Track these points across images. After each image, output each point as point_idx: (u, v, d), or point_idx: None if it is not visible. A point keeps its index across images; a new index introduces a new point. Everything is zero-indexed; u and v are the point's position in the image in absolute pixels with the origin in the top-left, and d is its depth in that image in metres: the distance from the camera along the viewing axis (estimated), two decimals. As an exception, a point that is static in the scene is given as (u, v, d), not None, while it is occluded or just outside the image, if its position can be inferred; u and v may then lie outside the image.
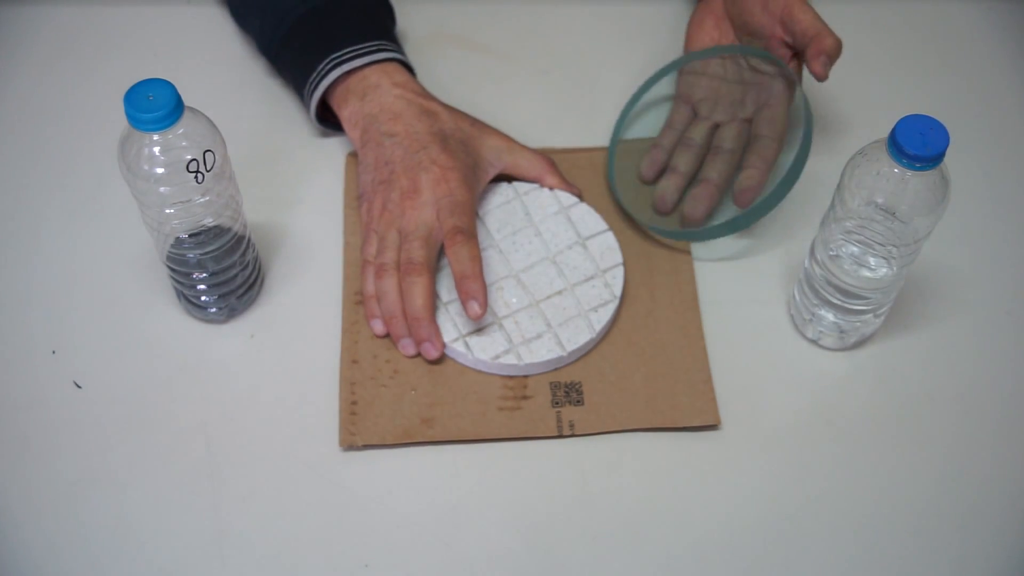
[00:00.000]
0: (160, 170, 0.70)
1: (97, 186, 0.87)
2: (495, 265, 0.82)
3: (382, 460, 0.76)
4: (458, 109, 0.85)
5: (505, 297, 0.80)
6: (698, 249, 0.85)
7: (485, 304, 0.76)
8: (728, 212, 0.85)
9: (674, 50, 0.94)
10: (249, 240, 0.79)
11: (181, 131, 0.69)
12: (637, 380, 0.79)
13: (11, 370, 0.79)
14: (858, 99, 0.95)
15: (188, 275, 0.77)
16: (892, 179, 0.69)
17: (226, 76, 0.94)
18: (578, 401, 0.78)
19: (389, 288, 0.79)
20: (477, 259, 0.77)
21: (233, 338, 0.80)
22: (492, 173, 0.84)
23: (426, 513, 0.74)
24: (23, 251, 0.84)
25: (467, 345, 0.78)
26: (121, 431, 0.76)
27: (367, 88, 0.84)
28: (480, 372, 0.79)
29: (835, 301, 0.77)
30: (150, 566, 0.71)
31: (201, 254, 0.76)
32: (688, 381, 0.78)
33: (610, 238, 0.83)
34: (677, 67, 0.89)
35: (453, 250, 0.77)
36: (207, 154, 0.70)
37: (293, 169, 0.89)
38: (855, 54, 0.98)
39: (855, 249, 0.74)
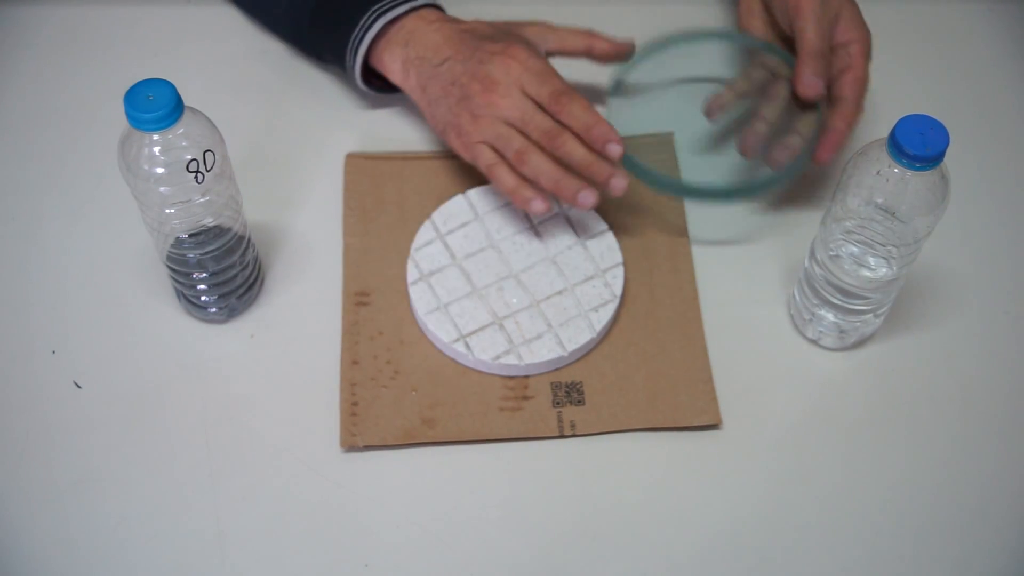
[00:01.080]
0: (160, 170, 0.70)
1: (97, 186, 0.87)
2: (495, 265, 0.82)
3: (382, 460, 0.76)
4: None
5: (505, 297, 0.80)
6: (698, 247, 0.85)
7: (621, 142, 0.78)
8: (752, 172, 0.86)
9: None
10: (249, 240, 0.79)
11: (181, 131, 0.69)
12: (638, 380, 0.79)
13: (11, 370, 0.79)
14: (858, 99, 0.95)
15: (188, 275, 0.77)
16: (892, 179, 0.69)
17: (226, 76, 0.94)
18: (579, 401, 0.78)
19: (539, 162, 0.79)
20: (588, 107, 0.79)
21: (233, 338, 0.80)
22: (542, 51, 0.85)
23: (426, 513, 0.74)
24: (23, 251, 0.84)
25: (467, 345, 0.78)
26: (121, 431, 0.76)
27: (407, 36, 0.84)
28: (481, 372, 0.79)
29: (835, 301, 0.77)
30: (150, 566, 0.71)
31: (201, 254, 0.76)
32: (689, 381, 0.78)
33: (610, 238, 0.83)
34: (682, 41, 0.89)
35: (565, 112, 0.78)
36: (207, 154, 0.70)
37: (293, 169, 0.89)
38: (855, 54, 0.98)
39: (855, 249, 0.74)
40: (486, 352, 0.78)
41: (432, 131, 0.87)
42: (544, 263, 0.82)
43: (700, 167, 0.88)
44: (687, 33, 0.89)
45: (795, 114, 0.84)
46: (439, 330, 0.79)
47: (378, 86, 0.89)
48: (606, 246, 0.83)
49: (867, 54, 0.83)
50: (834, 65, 0.83)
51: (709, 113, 0.86)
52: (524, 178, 0.80)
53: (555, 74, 0.81)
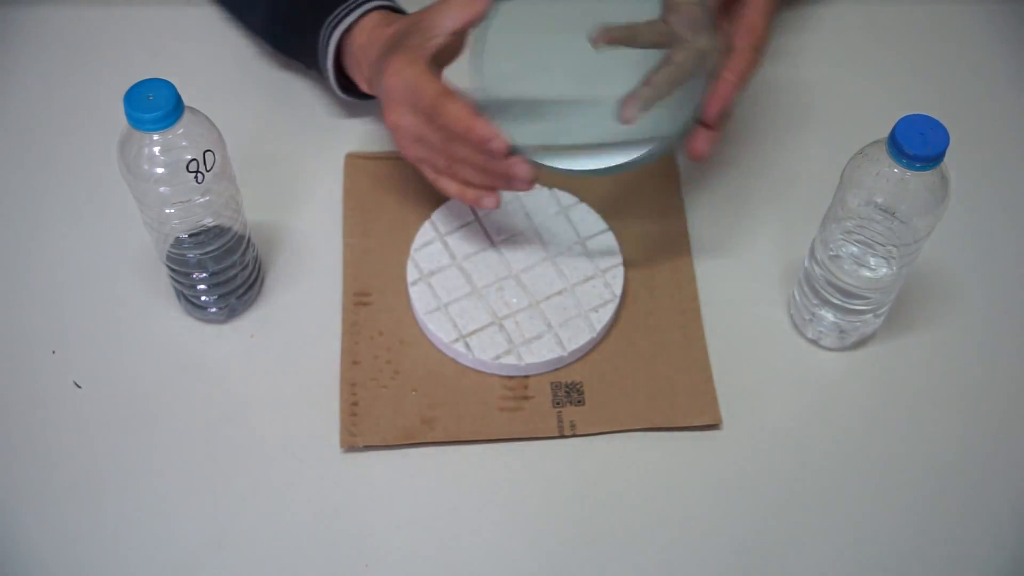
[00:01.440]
0: (160, 170, 0.70)
1: (97, 186, 0.87)
2: (495, 265, 0.82)
3: (382, 460, 0.76)
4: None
5: (505, 297, 0.80)
6: (698, 247, 0.85)
7: (501, 138, 0.72)
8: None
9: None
10: (249, 240, 0.79)
11: (181, 131, 0.69)
12: (638, 380, 0.79)
13: (11, 370, 0.79)
14: (858, 99, 0.95)
15: (188, 275, 0.77)
16: (892, 179, 0.69)
17: (226, 76, 0.94)
18: (579, 401, 0.78)
19: (463, 170, 0.76)
20: (465, 108, 0.73)
21: (233, 338, 0.80)
22: (444, 27, 0.76)
23: (426, 513, 0.74)
24: (23, 251, 0.84)
25: (467, 345, 0.78)
26: (121, 431, 0.76)
27: (357, 52, 0.82)
28: (481, 373, 0.79)
29: (835, 301, 0.77)
30: (150, 566, 0.71)
31: (201, 254, 0.76)
32: (689, 380, 0.78)
33: (610, 238, 0.83)
34: None
35: (443, 121, 0.73)
36: (207, 154, 0.70)
37: (293, 169, 0.89)
38: (855, 54, 0.98)
39: (855, 249, 0.74)
40: (486, 352, 0.78)
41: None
42: (544, 263, 0.82)
43: (576, 126, 0.78)
44: None
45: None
46: (439, 330, 0.79)
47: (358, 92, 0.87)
48: (606, 246, 0.83)
49: (763, 5, 0.75)
50: (734, 17, 0.76)
51: (624, 117, 0.76)
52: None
53: (428, 80, 0.74)
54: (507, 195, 0.85)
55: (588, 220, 0.84)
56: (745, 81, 0.75)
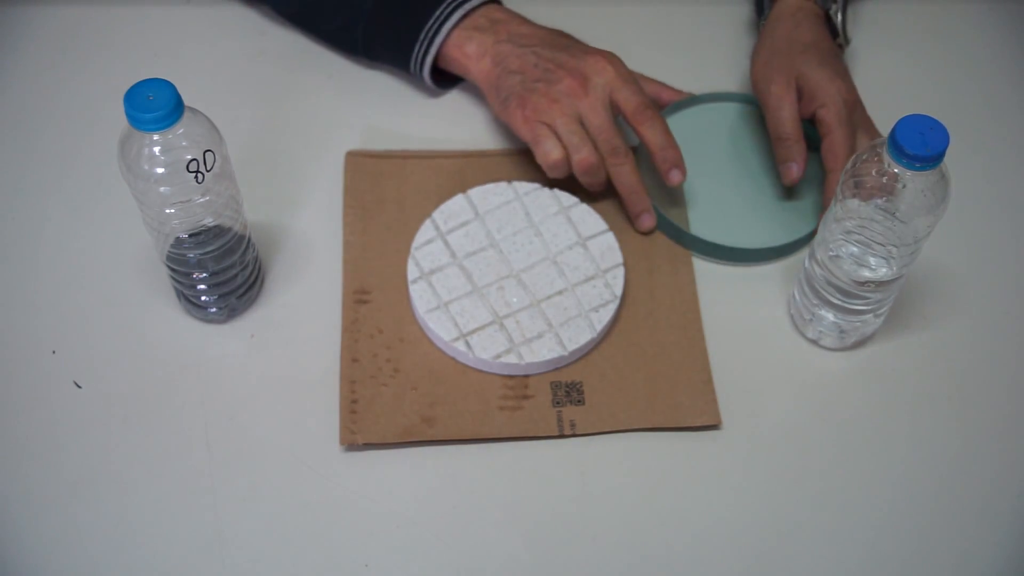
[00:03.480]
0: (160, 170, 0.70)
1: (97, 186, 0.87)
2: (495, 265, 0.82)
3: (382, 460, 0.76)
4: None
5: (506, 297, 0.80)
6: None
7: (685, 171, 0.83)
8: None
9: (685, 50, 0.97)
10: (249, 240, 0.79)
11: (181, 131, 0.69)
12: (638, 380, 0.79)
13: (11, 370, 0.79)
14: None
15: (188, 275, 0.77)
16: (892, 179, 0.69)
17: (226, 76, 0.94)
18: (579, 401, 0.78)
19: (597, 175, 0.83)
20: (668, 129, 0.83)
21: (233, 338, 0.80)
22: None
23: (426, 513, 0.74)
24: (23, 251, 0.84)
25: (468, 344, 0.78)
26: (121, 431, 0.76)
27: (487, 24, 0.86)
28: (481, 372, 0.79)
29: (835, 301, 0.77)
30: (150, 566, 0.71)
31: (201, 254, 0.76)
32: (689, 381, 0.78)
33: (610, 238, 0.83)
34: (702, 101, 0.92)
35: (647, 126, 0.82)
36: (207, 154, 0.70)
37: (293, 169, 0.89)
38: (856, 54, 0.98)
39: (855, 249, 0.74)
40: (486, 351, 0.78)
41: (489, 101, 0.87)
42: (545, 263, 0.82)
43: (707, 222, 0.87)
44: (713, 94, 0.92)
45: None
46: (440, 328, 0.79)
47: (438, 81, 0.90)
48: (607, 246, 0.83)
49: (840, 115, 0.83)
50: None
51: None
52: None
53: (643, 89, 0.83)
54: (508, 194, 0.85)
55: (589, 220, 0.84)
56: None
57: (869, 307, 0.77)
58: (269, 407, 0.77)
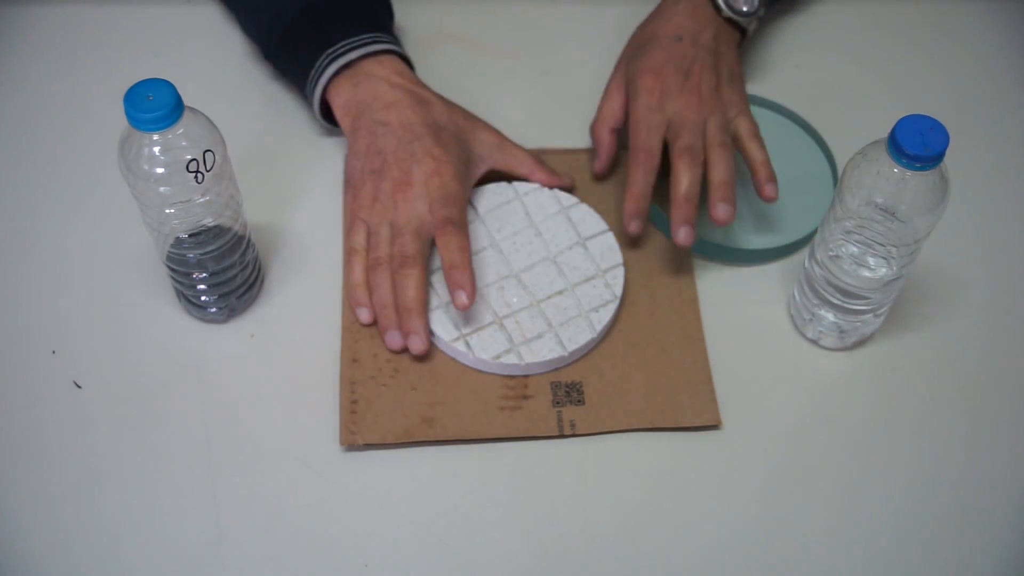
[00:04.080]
0: (160, 170, 0.70)
1: (97, 186, 0.87)
2: (495, 265, 0.82)
3: (382, 460, 0.76)
4: (451, 101, 0.86)
5: (506, 297, 0.80)
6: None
7: (473, 294, 0.77)
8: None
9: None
10: (249, 240, 0.79)
11: (181, 131, 0.69)
12: (638, 380, 0.79)
13: (11, 370, 0.79)
14: (858, 99, 0.95)
15: (188, 275, 0.77)
16: (892, 179, 0.69)
17: (226, 76, 0.94)
18: (579, 401, 0.78)
19: (382, 281, 0.79)
20: (466, 249, 0.78)
21: (233, 338, 0.80)
22: (483, 169, 0.85)
23: (426, 513, 0.74)
24: (23, 251, 0.84)
25: (468, 344, 0.78)
26: (121, 431, 0.76)
27: (360, 77, 0.84)
28: (481, 372, 0.79)
29: (835, 301, 0.77)
30: (150, 566, 0.71)
31: (201, 254, 0.76)
32: (689, 381, 0.78)
33: (610, 238, 0.83)
34: None
35: (443, 240, 0.78)
36: (207, 154, 0.70)
37: (293, 169, 0.89)
38: (856, 54, 0.98)
39: (855, 249, 0.74)
40: (486, 351, 0.78)
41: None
42: (545, 263, 0.82)
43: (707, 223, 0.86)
44: None
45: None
46: (440, 328, 0.79)
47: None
48: (606, 246, 0.83)
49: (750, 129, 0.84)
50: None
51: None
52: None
53: (463, 204, 0.80)
54: (508, 194, 0.85)
55: (589, 220, 0.84)
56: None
57: (869, 307, 0.77)
58: (269, 407, 0.77)
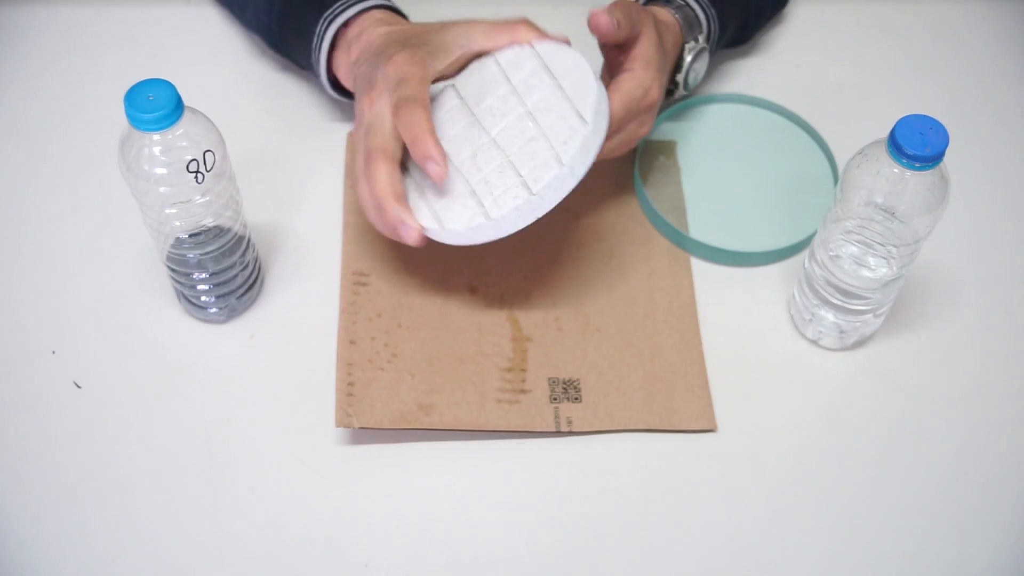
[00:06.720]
0: (160, 170, 0.70)
1: (97, 186, 0.87)
2: (474, 136, 0.77)
3: (382, 460, 0.76)
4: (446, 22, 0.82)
5: (479, 163, 0.75)
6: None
7: (442, 160, 0.72)
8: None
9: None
10: (249, 240, 0.79)
11: (181, 131, 0.69)
12: (635, 381, 0.79)
13: (11, 370, 0.79)
14: (858, 99, 0.95)
15: (188, 275, 0.77)
16: (892, 179, 0.69)
17: (226, 76, 0.94)
18: (576, 398, 0.78)
19: (360, 186, 0.76)
20: (424, 121, 0.73)
21: (233, 338, 0.80)
22: (460, 51, 0.79)
23: (426, 513, 0.74)
24: (23, 251, 0.84)
25: (439, 221, 0.74)
26: (121, 431, 0.76)
27: (351, 40, 0.83)
28: (478, 363, 0.78)
29: (835, 301, 0.77)
30: (150, 566, 0.71)
31: (201, 254, 0.76)
32: (685, 385, 0.78)
33: (583, 66, 0.75)
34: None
35: (401, 120, 0.73)
36: (207, 154, 0.70)
37: (293, 169, 0.89)
38: (855, 53, 0.98)
39: (855, 249, 0.74)
40: (457, 222, 0.73)
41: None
42: (520, 117, 0.76)
43: (706, 225, 0.87)
44: (711, 96, 0.93)
45: None
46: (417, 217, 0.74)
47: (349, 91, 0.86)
48: (579, 76, 0.75)
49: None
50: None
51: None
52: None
53: (414, 82, 0.75)
54: (489, 66, 0.79)
55: (562, 57, 0.77)
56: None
57: (869, 307, 0.77)
58: (269, 407, 0.77)
